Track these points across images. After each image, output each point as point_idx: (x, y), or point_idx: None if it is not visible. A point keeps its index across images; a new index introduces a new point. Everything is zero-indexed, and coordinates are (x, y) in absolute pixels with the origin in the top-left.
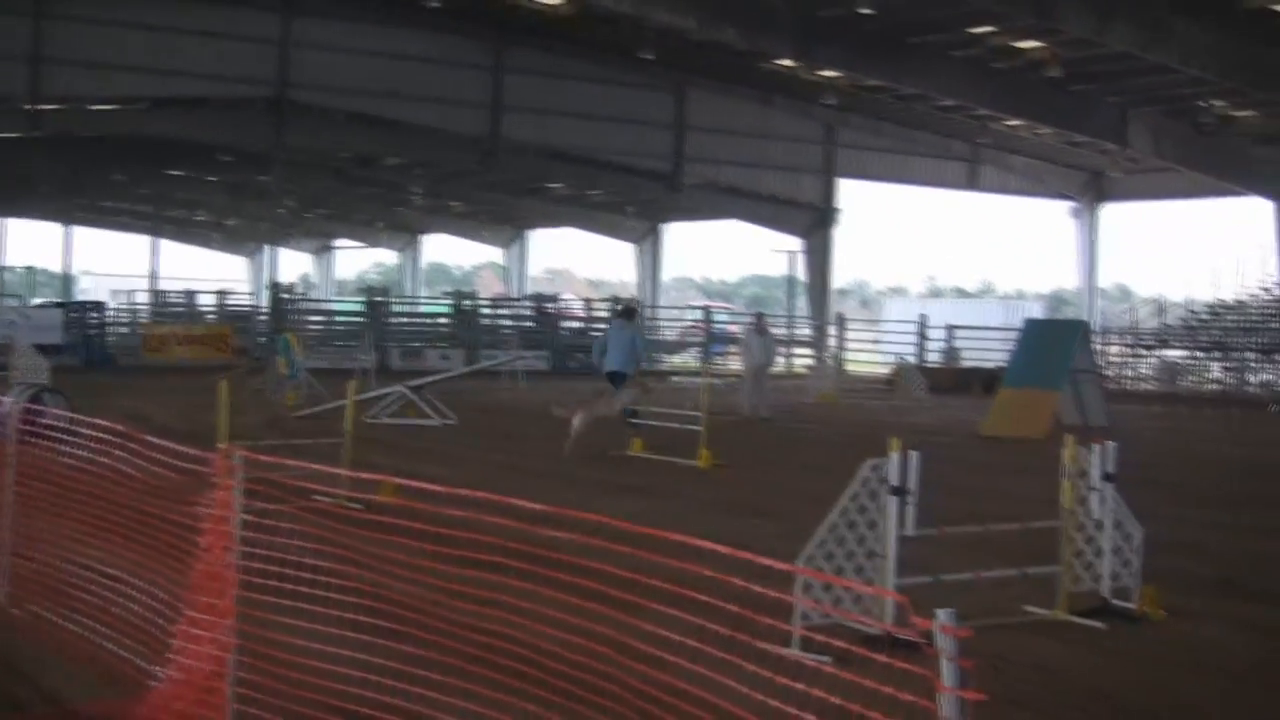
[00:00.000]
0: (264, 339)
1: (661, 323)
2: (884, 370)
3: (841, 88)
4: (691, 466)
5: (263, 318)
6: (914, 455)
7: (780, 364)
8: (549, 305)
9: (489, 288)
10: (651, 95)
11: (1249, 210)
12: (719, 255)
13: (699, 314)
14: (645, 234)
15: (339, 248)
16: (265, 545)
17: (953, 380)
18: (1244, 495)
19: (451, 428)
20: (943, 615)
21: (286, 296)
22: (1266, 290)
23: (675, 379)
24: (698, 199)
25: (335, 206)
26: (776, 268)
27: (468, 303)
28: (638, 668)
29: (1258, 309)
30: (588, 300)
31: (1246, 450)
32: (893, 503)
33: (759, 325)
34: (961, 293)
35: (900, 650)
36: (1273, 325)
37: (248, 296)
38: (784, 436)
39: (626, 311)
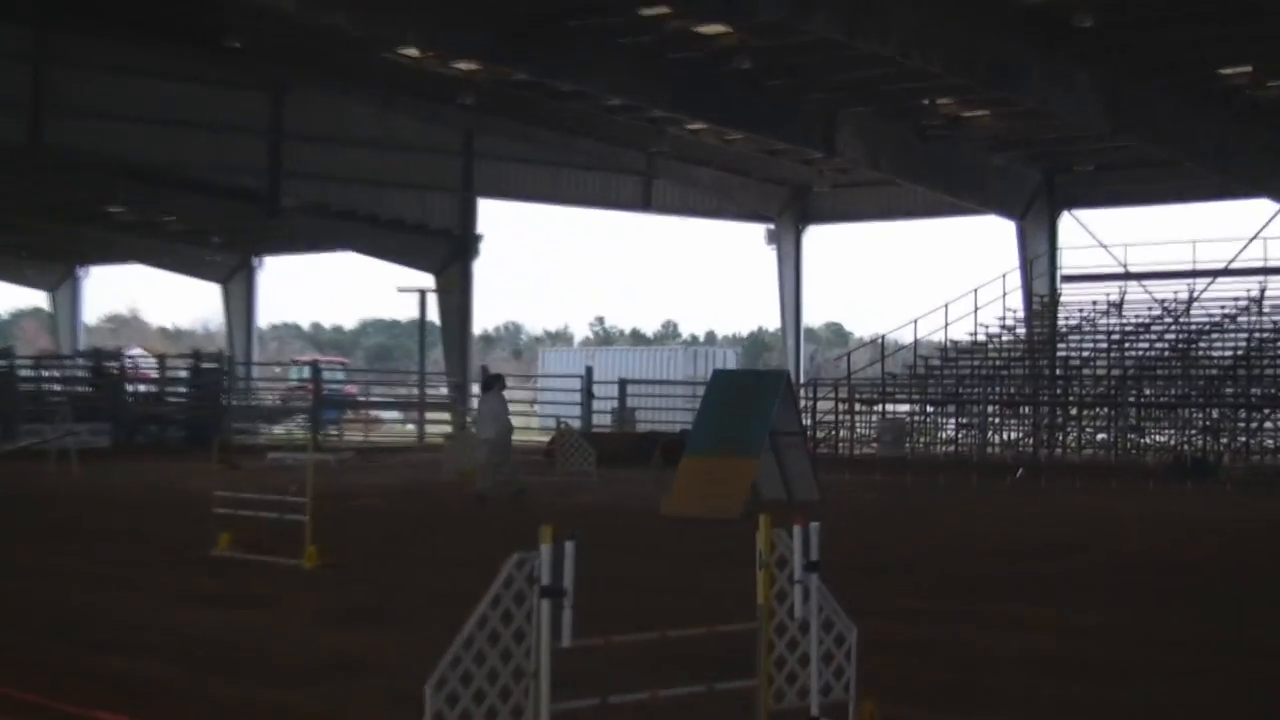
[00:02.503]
0: None
1: (258, 383)
2: (541, 438)
3: (482, 84)
4: (295, 566)
5: None
6: (570, 546)
7: (410, 431)
8: (111, 364)
9: (31, 342)
10: (241, 95)
11: (986, 231)
12: (331, 297)
13: (306, 371)
14: (235, 270)
15: None
16: None
17: (626, 448)
18: (982, 580)
19: None
20: None
21: None
22: (1008, 329)
23: (275, 456)
24: (302, 225)
25: None
26: (405, 310)
27: (2, 362)
28: None
29: (999, 352)
30: (162, 356)
31: (986, 525)
32: (545, 607)
33: (490, 382)
34: (638, 338)
35: None
36: (1017, 371)
37: None
38: (414, 524)
39: None
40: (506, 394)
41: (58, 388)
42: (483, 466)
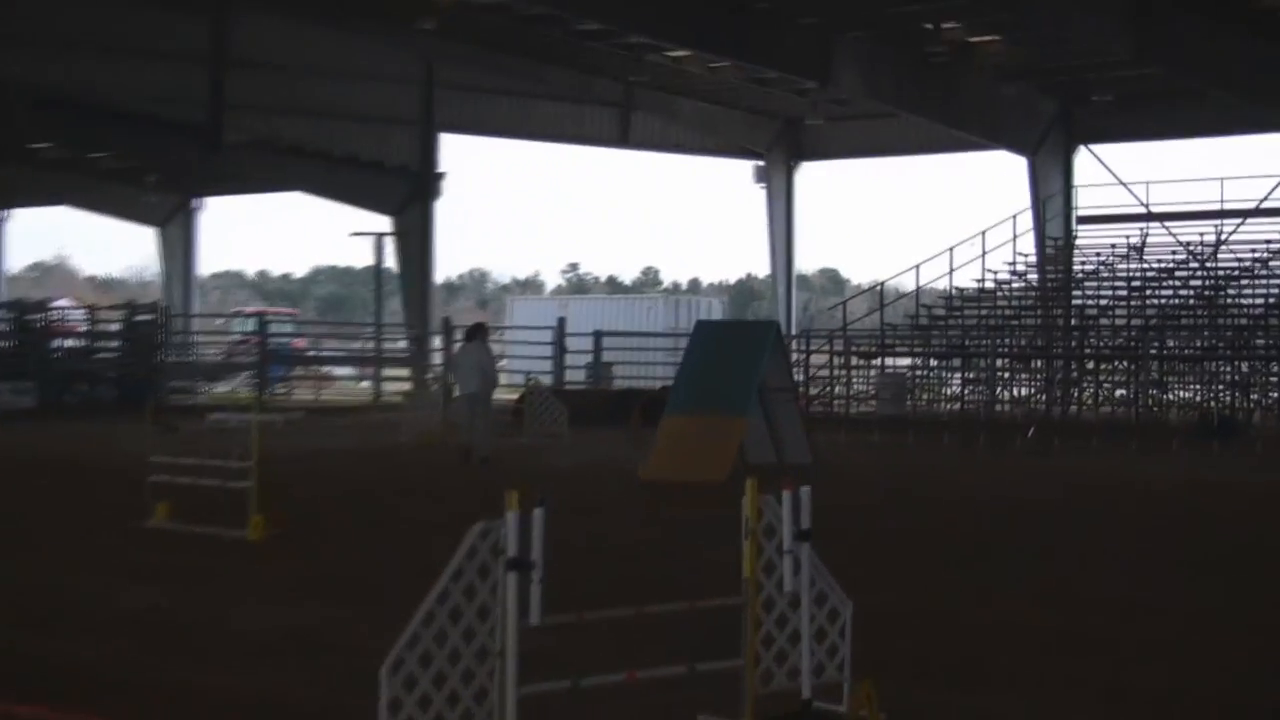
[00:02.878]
0: None
1: (198, 337)
2: (508, 395)
3: (444, 6)
4: (239, 538)
5: None
6: (538, 513)
7: (366, 389)
8: (35, 316)
9: None
10: (178, 16)
11: (995, 169)
12: (279, 241)
13: (251, 324)
14: (172, 213)
15: None
16: None
17: (602, 406)
18: (987, 550)
19: None
20: None
21: None
22: (1019, 275)
23: (216, 417)
24: (246, 163)
25: None
26: (359, 257)
27: None
28: None
29: (1008, 301)
30: (92, 307)
31: (994, 490)
32: (511, 581)
33: (474, 331)
34: (615, 286)
35: None
36: (1028, 321)
37: None
38: (369, 491)
39: None
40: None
41: None
42: (481, 429)
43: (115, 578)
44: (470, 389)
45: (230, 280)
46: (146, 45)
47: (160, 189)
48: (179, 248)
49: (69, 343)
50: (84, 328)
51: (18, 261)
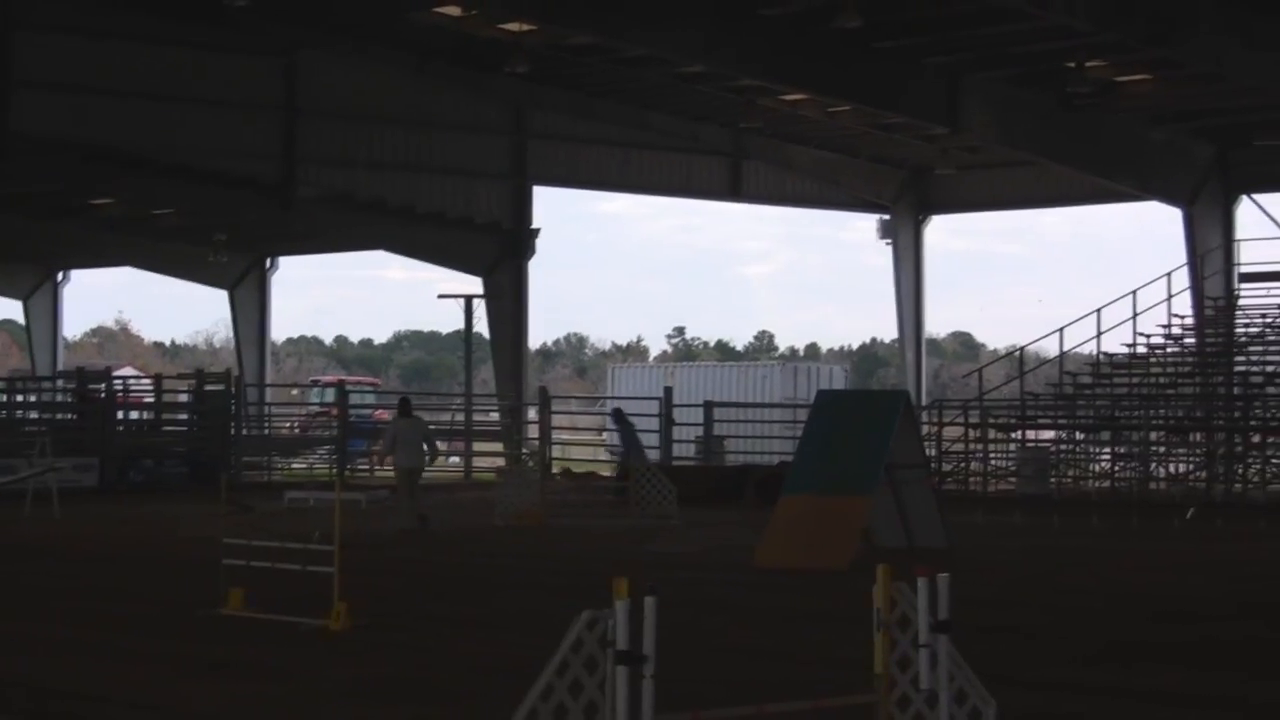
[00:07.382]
0: None
1: (273, 409)
2: (611, 472)
3: (536, 48)
4: (321, 628)
5: None
6: (650, 603)
7: (450, 464)
8: (97, 387)
9: (1, 361)
10: (247, 63)
11: (1147, 221)
12: (359, 305)
13: (329, 394)
14: (243, 274)
15: None
16: None
17: (714, 485)
18: (1145, 645)
19: None
20: None
21: None
22: (1175, 338)
23: (294, 496)
24: (322, 220)
25: None
26: (446, 321)
27: None
28: None
29: (1163, 367)
30: (158, 377)
31: (1149, 578)
32: (621, 676)
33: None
34: (726, 352)
35: None
36: (1186, 390)
37: None
38: (463, 578)
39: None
40: (563, 419)
41: (34, 415)
42: (411, 500)
43: (181, 671)
44: (414, 463)
45: (306, 346)
46: (212, 94)
47: (229, 249)
48: (250, 312)
49: (134, 415)
50: (150, 399)
51: (77, 327)
